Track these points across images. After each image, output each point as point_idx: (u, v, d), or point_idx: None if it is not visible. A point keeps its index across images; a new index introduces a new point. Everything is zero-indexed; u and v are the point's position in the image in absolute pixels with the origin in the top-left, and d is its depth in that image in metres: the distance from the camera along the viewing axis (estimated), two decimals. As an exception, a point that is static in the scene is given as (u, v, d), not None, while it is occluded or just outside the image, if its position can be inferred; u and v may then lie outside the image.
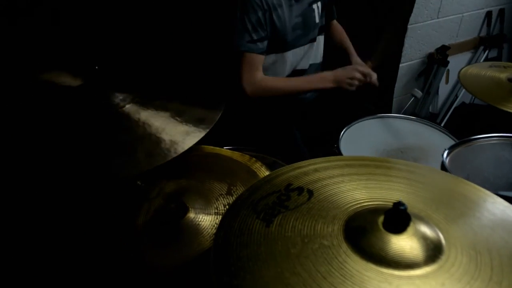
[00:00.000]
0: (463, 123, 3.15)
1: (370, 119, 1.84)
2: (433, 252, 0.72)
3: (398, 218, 0.73)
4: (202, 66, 1.87)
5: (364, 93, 1.93)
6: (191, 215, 1.07)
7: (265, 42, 1.75)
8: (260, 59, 1.76)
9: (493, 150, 1.40)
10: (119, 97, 1.00)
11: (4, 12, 1.31)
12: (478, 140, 1.41)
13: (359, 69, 1.81)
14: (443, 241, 0.75)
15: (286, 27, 1.78)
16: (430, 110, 3.30)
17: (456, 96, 3.34)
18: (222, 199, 1.11)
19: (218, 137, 1.45)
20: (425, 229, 0.76)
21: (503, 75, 1.69)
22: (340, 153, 1.55)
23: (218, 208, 1.08)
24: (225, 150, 1.30)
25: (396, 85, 3.06)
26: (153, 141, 0.90)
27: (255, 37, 1.71)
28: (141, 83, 1.11)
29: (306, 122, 1.98)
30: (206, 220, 1.06)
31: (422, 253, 0.71)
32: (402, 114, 3.13)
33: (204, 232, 1.03)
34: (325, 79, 1.82)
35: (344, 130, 1.71)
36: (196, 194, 1.12)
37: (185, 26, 1.88)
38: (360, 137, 1.71)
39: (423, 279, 0.67)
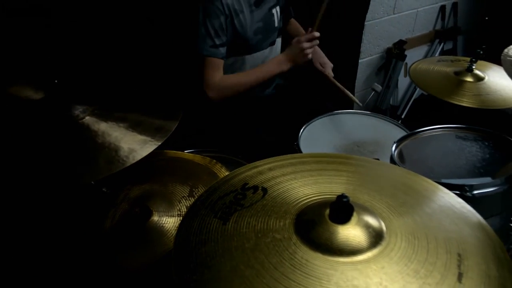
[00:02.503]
0: (422, 114, 3.28)
1: (328, 116, 1.91)
2: (375, 239, 0.79)
3: (341, 210, 0.80)
4: (159, 77, 1.89)
5: (325, 91, 2.00)
6: (155, 218, 1.11)
7: (225, 48, 1.79)
8: (220, 63, 1.80)
9: (438, 141, 1.49)
10: (79, 109, 1.04)
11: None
12: (424, 132, 1.51)
13: (301, 39, 1.83)
14: (384, 228, 0.82)
15: (248, 32, 1.83)
16: (391, 103, 3.41)
17: (415, 89, 3.46)
18: (184, 201, 1.16)
19: (182, 141, 1.50)
20: (368, 218, 0.82)
21: (450, 69, 1.79)
22: (300, 151, 1.61)
23: (181, 210, 1.13)
24: (187, 154, 1.35)
25: (357, 80, 3.16)
26: (112, 149, 0.95)
27: (217, 42, 1.75)
28: (101, 95, 1.15)
29: (267, 120, 2.03)
30: (170, 222, 1.10)
31: (365, 240, 0.78)
32: (363, 107, 3.26)
33: (168, 234, 1.08)
34: (280, 62, 1.85)
35: (303, 127, 1.78)
36: (160, 198, 1.17)
37: (143, 37, 1.90)
38: (319, 134, 1.79)
39: (365, 264, 0.74)
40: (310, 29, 1.88)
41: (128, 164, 0.92)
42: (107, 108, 1.07)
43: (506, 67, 1.31)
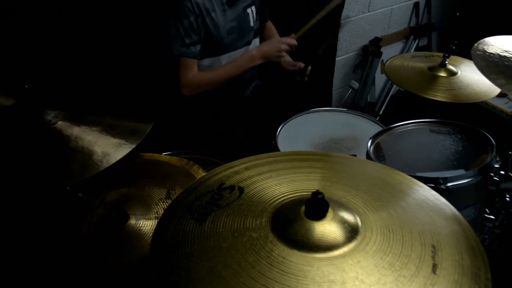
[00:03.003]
0: (400, 110, 3.32)
1: (305, 114, 1.92)
2: (351, 234, 0.80)
3: (317, 206, 0.80)
4: (133, 80, 1.88)
5: (299, 91, 2.01)
6: (132, 221, 1.11)
7: (198, 46, 1.79)
8: (193, 62, 1.81)
9: (413, 136, 1.52)
10: (51, 114, 1.03)
11: None
12: (398, 128, 1.53)
13: (283, 41, 1.89)
14: (359, 223, 0.83)
15: (221, 31, 1.83)
16: (369, 99, 3.44)
17: (392, 85, 3.49)
18: (161, 203, 1.15)
19: (159, 143, 1.49)
20: (343, 214, 0.83)
21: (424, 65, 1.82)
22: (277, 149, 1.62)
23: (158, 213, 1.13)
24: (164, 156, 1.34)
25: (335, 78, 3.17)
26: (86, 153, 0.94)
27: (187, 41, 1.75)
28: (73, 99, 1.14)
29: (246, 121, 2.04)
30: (147, 225, 1.10)
31: (341, 236, 0.79)
32: (342, 105, 3.29)
33: (146, 237, 1.07)
34: (253, 57, 1.88)
35: (281, 126, 1.79)
36: (137, 201, 1.16)
37: (115, 39, 1.88)
38: (297, 132, 1.80)
39: (341, 259, 0.75)
40: (293, 34, 1.92)
41: (102, 168, 0.91)
42: (79, 112, 1.05)
43: (476, 61, 1.33)
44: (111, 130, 1.02)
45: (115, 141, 0.99)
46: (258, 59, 1.88)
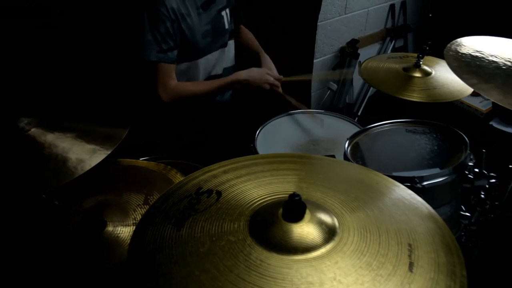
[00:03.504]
0: (377, 110, 3.35)
1: (283, 116, 1.93)
2: (328, 235, 0.80)
3: (294, 208, 0.81)
4: (108, 85, 1.86)
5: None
6: (110, 228, 1.09)
7: (175, 52, 1.78)
8: (172, 68, 1.80)
9: (389, 136, 1.54)
10: (24, 122, 1.01)
11: None
12: (375, 128, 1.55)
13: (274, 75, 1.91)
14: (337, 224, 0.84)
15: (196, 35, 1.82)
16: (347, 100, 3.47)
17: (369, 86, 3.53)
18: (139, 209, 1.14)
19: (137, 148, 1.48)
20: (321, 215, 0.84)
21: (399, 66, 1.84)
22: (256, 152, 1.62)
23: (136, 219, 1.12)
24: (141, 161, 1.33)
25: (313, 80, 3.19)
26: (60, 160, 0.93)
27: (164, 47, 1.73)
28: (46, 106, 1.12)
29: (225, 124, 2.04)
30: (125, 232, 1.09)
31: (318, 237, 0.79)
32: (321, 106, 3.31)
33: (124, 243, 1.06)
34: (239, 76, 1.90)
35: (259, 129, 1.79)
36: (114, 207, 1.15)
37: (89, 44, 1.86)
38: (275, 134, 1.81)
39: (319, 260, 0.75)
40: (282, 77, 1.97)
41: (76, 175, 0.89)
42: (53, 119, 1.04)
43: (448, 62, 1.36)
44: (85, 136, 1.01)
45: (89, 147, 0.98)
46: (244, 79, 1.89)
